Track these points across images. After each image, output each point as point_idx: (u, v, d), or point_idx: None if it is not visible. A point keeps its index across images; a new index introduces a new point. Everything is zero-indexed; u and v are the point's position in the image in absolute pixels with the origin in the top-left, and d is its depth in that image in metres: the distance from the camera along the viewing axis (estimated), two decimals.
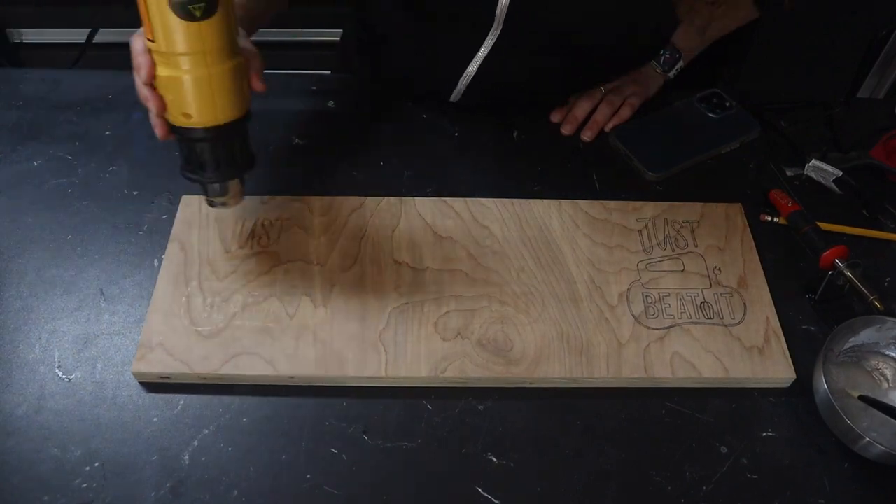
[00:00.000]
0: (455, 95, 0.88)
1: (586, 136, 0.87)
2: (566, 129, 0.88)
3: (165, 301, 0.68)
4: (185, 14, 0.57)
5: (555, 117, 0.89)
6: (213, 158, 0.64)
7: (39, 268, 0.72)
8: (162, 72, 0.60)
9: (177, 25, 0.57)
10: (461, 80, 0.85)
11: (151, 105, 0.61)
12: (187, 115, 0.61)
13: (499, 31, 0.79)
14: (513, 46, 0.81)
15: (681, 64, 0.90)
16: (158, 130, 0.63)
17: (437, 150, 0.85)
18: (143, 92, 0.61)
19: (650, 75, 0.91)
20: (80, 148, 0.83)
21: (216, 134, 0.62)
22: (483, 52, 0.82)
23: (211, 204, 0.68)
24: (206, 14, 0.57)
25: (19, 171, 0.81)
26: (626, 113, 0.88)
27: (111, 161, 0.82)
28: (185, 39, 0.58)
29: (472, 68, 0.84)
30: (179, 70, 0.59)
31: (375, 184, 0.81)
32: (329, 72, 1.05)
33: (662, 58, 0.90)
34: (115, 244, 0.75)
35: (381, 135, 0.87)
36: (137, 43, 0.61)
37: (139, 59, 0.61)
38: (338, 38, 1.20)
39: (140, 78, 0.61)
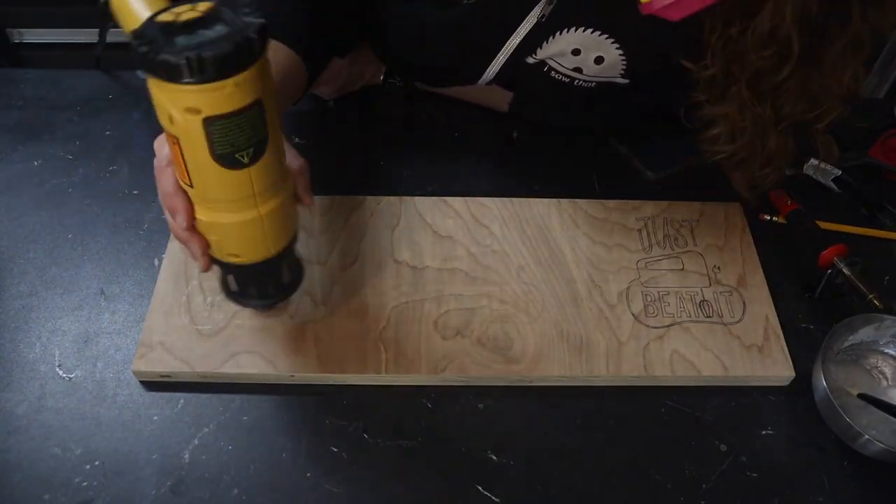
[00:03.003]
0: (484, 80, 0.80)
1: None
2: None
3: (166, 300, 0.68)
4: (232, 164, 0.48)
5: None
6: (262, 286, 0.60)
7: (39, 267, 0.73)
8: (203, 216, 0.53)
9: (222, 175, 0.49)
10: (496, 57, 0.75)
11: (193, 247, 0.55)
12: (235, 256, 0.55)
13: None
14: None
15: None
16: (201, 265, 0.57)
17: (437, 150, 0.85)
18: (181, 235, 0.55)
19: None
20: (80, 148, 0.83)
21: (266, 266, 0.57)
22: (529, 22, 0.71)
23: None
24: (256, 158, 0.49)
25: (19, 171, 0.81)
26: None
27: (111, 161, 0.82)
28: (231, 188, 0.50)
29: (514, 42, 0.74)
30: (225, 215, 0.52)
31: (375, 184, 0.81)
32: None
33: None
34: (115, 244, 0.75)
35: (381, 135, 0.87)
36: (166, 180, 0.53)
37: (173, 200, 0.53)
38: None
39: (177, 223, 0.54)
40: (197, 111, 0.45)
